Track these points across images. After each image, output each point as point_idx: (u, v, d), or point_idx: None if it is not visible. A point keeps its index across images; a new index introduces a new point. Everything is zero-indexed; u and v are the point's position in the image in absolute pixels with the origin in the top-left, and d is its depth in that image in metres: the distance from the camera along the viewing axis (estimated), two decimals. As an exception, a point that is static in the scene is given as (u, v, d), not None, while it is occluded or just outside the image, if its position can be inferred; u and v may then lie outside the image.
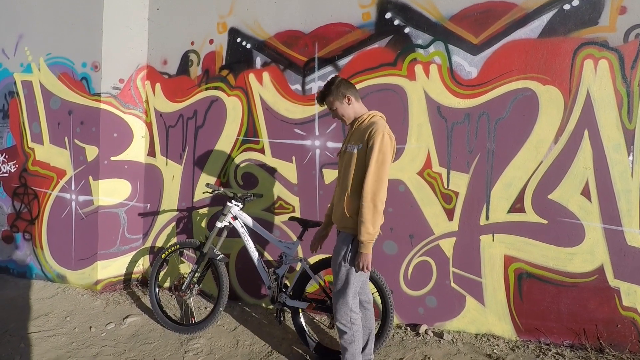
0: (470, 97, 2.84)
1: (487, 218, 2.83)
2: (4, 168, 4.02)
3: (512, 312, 2.79)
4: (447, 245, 2.91)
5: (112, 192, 3.61)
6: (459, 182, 2.87)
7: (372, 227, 1.93)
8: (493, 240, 2.82)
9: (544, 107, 2.70)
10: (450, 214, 2.90)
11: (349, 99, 2.11)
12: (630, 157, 2.57)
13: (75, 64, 3.66)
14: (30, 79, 3.87)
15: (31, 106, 3.86)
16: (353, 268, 2.03)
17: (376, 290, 2.54)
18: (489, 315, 2.84)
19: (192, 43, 3.60)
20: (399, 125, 2.97)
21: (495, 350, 2.62)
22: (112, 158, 3.61)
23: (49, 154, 3.78)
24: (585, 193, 2.64)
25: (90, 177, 3.56)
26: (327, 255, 2.67)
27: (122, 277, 3.72)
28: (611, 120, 2.59)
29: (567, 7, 2.65)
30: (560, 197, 2.68)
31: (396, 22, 2.98)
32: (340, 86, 2.11)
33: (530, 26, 2.72)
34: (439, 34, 2.89)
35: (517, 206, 2.77)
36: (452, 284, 2.90)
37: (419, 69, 2.93)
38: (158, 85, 3.75)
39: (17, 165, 3.95)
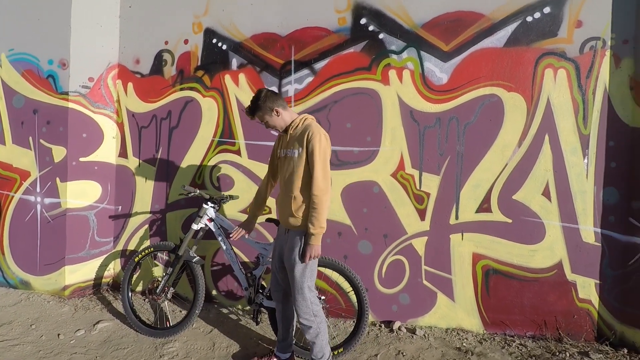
0: (441, 102, 2.97)
1: (456, 218, 2.96)
2: (-39, 169, 3.79)
3: (479, 307, 2.94)
4: (420, 244, 3.02)
5: (81, 194, 3.49)
6: (431, 184, 2.99)
7: (323, 221, 2.10)
8: (462, 239, 2.95)
9: (509, 113, 2.86)
10: (422, 214, 3.01)
11: (277, 112, 2.22)
12: (586, 160, 2.77)
13: (41, 61, 3.51)
14: (-9, 76, 3.68)
15: (-9, 104, 3.67)
16: (308, 263, 2.15)
17: (352, 289, 2.60)
18: (458, 310, 2.97)
19: (166, 42, 3.55)
20: (374, 128, 3.06)
21: (464, 344, 2.75)
22: (81, 159, 3.49)
23: (12, 154, 3.61)
24: (546, 193, 2.82)
25: (58, 179, 3.43)
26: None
27: (92, 282, 3.60)
28: (569, 125, 2.79)
29: (529, 19, 2.82)
30: (523, 198, 2.85)
31: (371, 28, 3.06)
32: (266, 101, 2.20)
33: (497, 36, 2.88)
34: (411, 40, 3.00)
35: (484, 206, 2.92)
36: (424, 282, 3.02)
37: (392, 74, 3.03)
38: (130, 85, 3.66)
39: (-25, 166, 3.74)
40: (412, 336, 2.85)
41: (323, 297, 2.65)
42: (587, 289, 2.78)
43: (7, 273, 3.62)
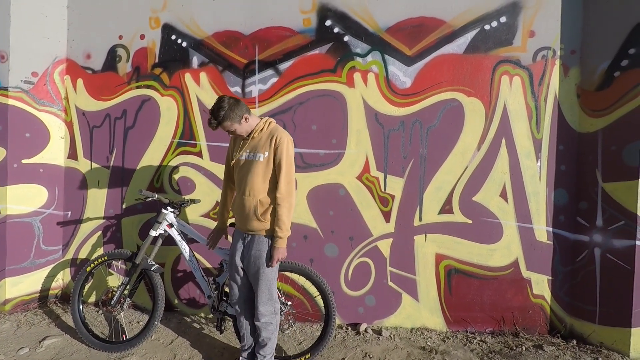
0: (404, 105, 3.01)
1: (420, 219, 3.02)
2: None
3: (442, 306, 3.02)
4: (385, 246, 3.05)
5: (23, 199, 3.20)
6: (395, 186, 3.03)
7: (289, 223, 2.15)
8: (426, 240, 3.02)
9: (469, 117, 2.96)
10: (387, 216, 3.05)
11: (246, 119, 2.18)
12: (539, 163, 2.92)
13: (-24, 53, 3.19)
14: None
15: None
16: (273, 265, 2.18)
17: (318, 294, 2.58)
18: (422, 310, 3.03)
19: (121, 37, 3.34)
20: (339, 130, 3.05)
21: (428, 343, 2.81)
22: (24, 161, 3.21)
23: (-59, 155, 3.24)
24: (503, 195, 2.94)
25: (-4, 183, 3.12)
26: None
27: (38, 295, 3.31)
28: (523, 130, 2.93)
29: (487, 27, 2.93)
30: (482, 199, 2.96)
31: (336, 30, 3.05)
32: (234, 109, 2.12)
33: (457, 42, 2.96)
34: (376, 44, 3.02)
35: (446, 208, 3.00)
36: (390, 283, 3.05)
37: (357, 76, 3.04)
38: (80, 81, 3.41)
39: None
40: (379, 337, 2.88)
41: (290, 303, 2.61)
42: (541, 285, 2.93)
43: (-64, 288, 3.25)
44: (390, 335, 2.90)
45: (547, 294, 2.93)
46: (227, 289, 2.71)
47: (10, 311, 3.14)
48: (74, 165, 3.42)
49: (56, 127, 3.40)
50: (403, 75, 3.01)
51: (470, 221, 2.97)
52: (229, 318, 2.67)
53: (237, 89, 3.16)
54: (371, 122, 3.03)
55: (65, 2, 3.42)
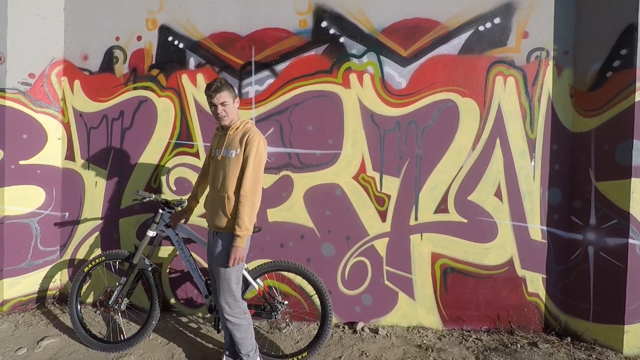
0: (400, 106, 3.04)
1: (416, 219, 3.05)
2: None
3: (438, 305, 3.04)
4: (381, 245, 3.08)
5: (21, 200, 3.21)
6: (391, 186, 3.06)
7: (249, 223, 2.10)
8: (422, 239, 3.04)
9: (464, 117, 2.99)
10: (383, 216, 3.07)
11: (237, 102, 2.27)
12: (533, 163, 2.95)
13: (-28, 55, 3.19)
14: None
15: None
16: (231, 265, 2.11)
17: (315, 293, 2.60)
18: (418, 308, 3.06)
19: (117, 38, 3.35)
20: (335, 131, 3.07)
21: (424, 341, 2.83)
22: (21, 162, 3.21)
23: (-62, 157, 3.24)
24: (498, 194, 2.97)
25: (-6, 184, 3.13)
26: (266, 261, 2.68)
27: (35, 295, 3.32)
28: (517, 130, 2.96)
29: (481, 28, 2.96)
30: (477, 198, 2.99)
31: (332, 31, 3.08)
32: (233, 87, 2.24)
33: (452, 43, 2.99)
34: (371, 45, 3.05)
35: (442, 207, 3.03)
36: (386, 282, 3.08)
37: (353, 77, 3.06)
38: (77, 83, 3.42)
39: None
40: (375, 336, 2.90)
41: (286, 302, 2.62)
42: (535, 283, 2.96)
43: None
44: (386, 334, 2.92)
45: (542, 292, 2.97)
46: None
47: (8, 312, 3.15)
48: (71, 166, 3.43)
49: (53, 129, 3.41)
50: (398, 76, 3.04)
51: (465, 220, 3.00)
52: (226, 317, 2.68)
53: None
54: (367, 122, 3.06)
55: (62, 3, 3.43)
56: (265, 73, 3.14)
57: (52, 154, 3.40)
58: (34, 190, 3.30)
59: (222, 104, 2.19)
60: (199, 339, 2.86)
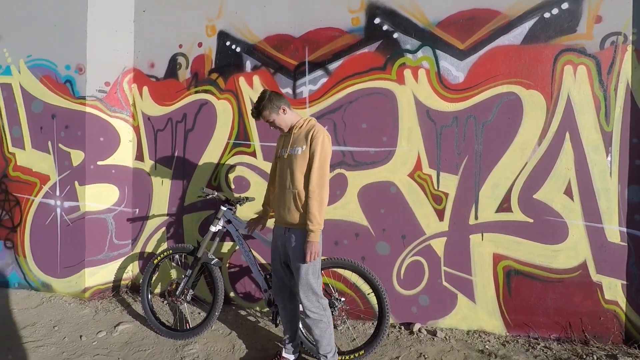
0: (457, 100, 2.93)
1: (476, 218, 2.92)
2: (-17, 174, 3.87)
3: (501, 309, 2.89)
4: (439, 245, 2.99)
5: (99, 197, 3.54)
6: (449, 184, 2.96)
7: (320, 218, 2.12)
8: (482, 239, 2.91)
9: (528, 111, 2.81)
10: (440, 215, 2.98)
11: (284, 110, 2.26)
12: (609, 158, 2.71)
13: (58, 66, 3.57)
14: (10, 82, 3.75)
15: (11, 109, 3.74)
16: (307, 261, 2.13)
17: (371, 291, 2.58)
18: (479, 312, 2.93)
19: (180, 46, 3.57)
20: (390, 128, 3.04)
21: (487, 346, 2.71)
22: (99, 162, 3.54)
23: (31, 159, 3.67)
24: (568, 192, 2.76)
25: (76, 183, 3.48)
26: (322, 257, 2.71)
27: (111, 284, 3.64)
28: (590, 123, 2.73)
29: (547, 15, 2.77)
30: (544, 197, 2.80)
31: (385, 28, 3.04)
32: (272, 100, 2.24)
33: (514, 33, 2.83)
34: (426, 39, 2.97)
35: (504, 206, 2.87)
36: (444, 283, 2.98)
37: (408, 73, 3.01)
38: (145, 89, 3.70)
39: (-4, 171, 3.81)
40: (433, 338, 2.82)
41: (343, 299, 2.64)
42: (614, 290, 2.71)
43: (29, 276, 3.67)
44: (445, 337, 2.83)
45: (622, 300, 2.70)
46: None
47: (89, 298, 3.48)
48: (140, 166, 3.71)
49: (125, 132, 3.71)
50: (455, 70, 2.93)
51: (531, 220, 2.82)
52: (283, 312, 2.76)
53: (289, 90, 3.26)
54: (423, 118, 2.98)
55: (132, 16, 3.73)
56: (319, 72, 3.18)
57: (124, 155, 3.70)
58: (110, 189, 3.61)
59: (269, 122, 2.29)
60: (257, 332, 2.96)
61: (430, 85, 2.97)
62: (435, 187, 2.98)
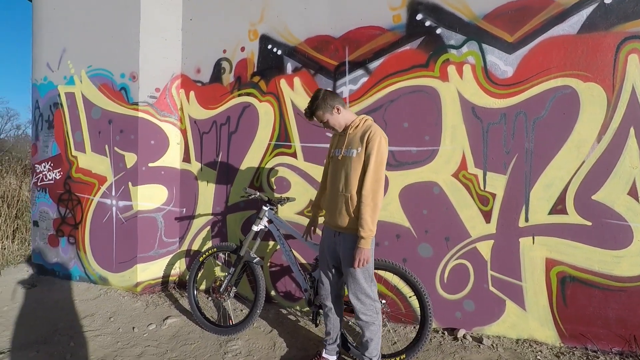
0: (506, 96, 2.79)
1: (526, 220, 2.76)
2: (50, 175, 4.24)
3: (555, 317, 2.70)
4: (485, 248, 2.85)
5: (150, 197, 3.74)
6: (496, 184, 2.82)
7: (372, 224, 2.04)
8: (533, 242, 2.74)
9: (586, 105, 2.61)
10: (487, 216, 2.84)
11: (337, 109, 2.20)
12: (682, 155, 2.45)
13: (114, 75, 3.82)
14: (73, 91, 4.07)
15: (74, 116, 4.06)
16: (355, 267, 2.10)
17: (413, 294, 2.52)
18: (530, 320, 2.76)
19: (224, 51, 3.70)
20: (432, 127, 2.95)
21: (538, 357, 2.54)
22: (150, 164, 3.74)
23: (91, 161, 3.96)
24: (633, 193, 2.53)
25: (130, 183, 3.70)
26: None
27: (160, 280, 3.84)
28: (660, 116, 2.48)
29: (608, 0, 2.56)
30: (605, 198, 2.58)
31: (427, 23, 2.96)
32: (326, 99, 2.18)
33: (569, 22, 2.64)
34: (472, 33, 2.85)
35: (558, 207, 2.69)
36: (491, 288, 2.84)
37: (452, 69, 2.90)
38: (192, 93, 3.87)
39: (61, 173, 4.15)
40: (479, 345, 2.69)
41: (384, 301, 2.59)
42: (687, 301, 2.44)
43: (89, 269, 3.97)
44: (492, 344, 2.69)
45: (697, 313, 2.43)
46: (321, 284, 2.81)
47: (140, 292, 3.69)
48: (187, 167, 3.89)
49: (173, 135, 3.90)
50: (504, 64, 2.79)
51: (589, 223, 2.61)
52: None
53: (328, 90, 3.26)
54: (468, 116, 2.87)
55: (180, 24, 3.92)
56: (359, 72, 3.16)
57: (172, 157, 3.89)
58: (159, 189, 3.81)
59: (323, 122, 2.25)
60: (297, 331, 2.98)
61: (476, 81, 2.85)
62: (482, 188, 2.85)
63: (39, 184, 4.35)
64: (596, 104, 2.59)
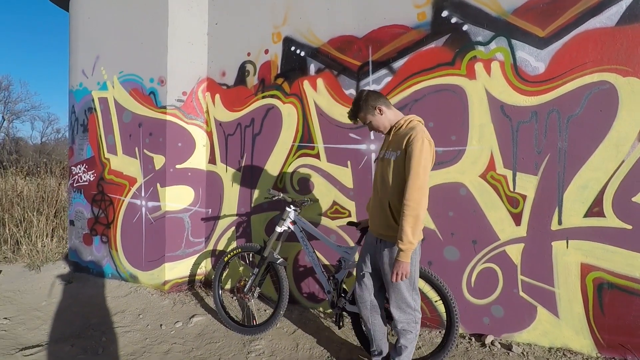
0: (537, 93, 2.67)
1: (559, 223, 2.63)
2: (85, 177, 4.43)
3: (591, 326, 2.56)
4: (515, 252, 2.74)
5: (177, 198, 3.84)
6: (527, 185, 2.70)
7: (412, 236, 1.89)
8: (567, 246, 2.61)
9: (625, 101, 2.46)
10: (517, 219, 2.73)
11: (380, 110, 2.12)
12: None
13: (144, 80, 3.95)
14: (106, 96, 4.24)
15: (107, 120, 4.23)
16: (393, 280, 2.00)
17: (439, 298, 2.45)
18: (564, 328, 2.62)
19: (249, 54, 3.75)
20: (459, 126, 2.86)
21: (573, 367, 2.42)
22: (177, 166, 3.85)
23: (122, 163, 4.11)
24: (679, 195, 2.36)
25: (158, 184, 3.82)
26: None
27: (187, 279, 3.93)
28: None
29: (650, -10, 2.40)
30: (647, 200, 2.42)
31: (453, 20, 2.88)
32: (368, 100, 2.12)
33: (607, 13, 2.50)
34: (500, 29, 2.75)
35: (594, 210, 2.54)
36: (521, 293, 2.73)
37: (479, 67, 2.81)
38: (217, 96, 3.94)
39: (95, 175, 4.34)
40: (508, 353, 2.59)
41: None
42: None
43: (120, 267, 4.12)
44: (522, 352, 2.58)
45: None
46: (345, 286, 2.79)
47: (168, 291, 3.79)
48: (213, 169, 3.96)
49: (200, 137, 3.99)
50: (535, 60, 2.67)
51: (629, 226, 2.46)
52: (346, 315, 2.74)
53: (352, 91, 3.24)
54: (496, 115, 2.77)
55: (206, 29, 4.00)
56: (383, 71, 3.12)
57: (199, 159, 3.98)
58: (186, 190, 3.91)
59: (367, 124, 2.19)
60: (320, 333, 2.97)
61: (505, 79, 2.74)
62: (511, 189, 2.74)
63: (74, 185, 4.56)
64: (637, 100, 2.44)
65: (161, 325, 3.14)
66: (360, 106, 2.14)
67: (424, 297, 2.95)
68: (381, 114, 2.13)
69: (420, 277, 2.46)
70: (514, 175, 2.74)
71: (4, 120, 23.72)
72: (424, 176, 1.90)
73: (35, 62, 46.60)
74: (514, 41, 2.72)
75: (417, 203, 1.87)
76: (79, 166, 4.51)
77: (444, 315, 2.45)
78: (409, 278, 2.04)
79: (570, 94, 2.58)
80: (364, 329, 2.54)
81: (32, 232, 5.38)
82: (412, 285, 2.12)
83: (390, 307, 2.17)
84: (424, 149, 1.91)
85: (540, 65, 2.66)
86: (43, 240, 5.29)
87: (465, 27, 2.85)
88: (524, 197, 2.71)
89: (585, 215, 2.57)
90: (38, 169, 7.23)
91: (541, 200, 2.67)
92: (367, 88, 3.16)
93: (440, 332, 2.88)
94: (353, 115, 2.20)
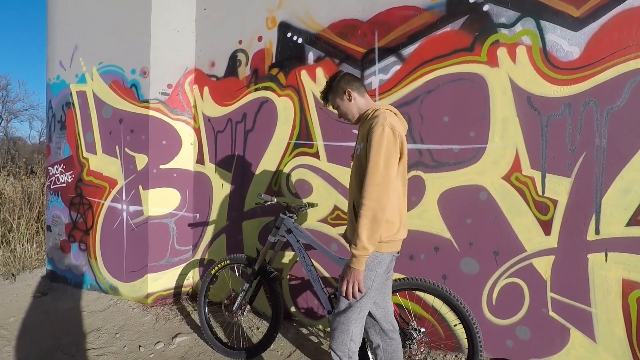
0: (570, 82, 2.30)
1: (597, 232, 2.27)
2: (62, 178, 4.06)
3: (635, 352, 2.20)
4: (544, 265, 2.38)
5: (161, 201, 3.47)
6: (558, 188, 2.34)
7: (367, 240, 1.57)
8: (606, 260, 2.25)
9: (677, 91, 2.10)
10: (546, 227, 2.37)
11: (349, 94, 1.84)
12: None
13: (125, 71, 3.58)
14: (84, 89, 3.87)
15: (85, 116, 3.86)
16: (342, 293, 1.65)
17: (459, 322, 2.09)
18: (602, 353, 2.26)
19: (240, 42, 3.38)
20: (478, 121, 2.50)
21: (617, 402, 2.06)
22: (161, 166, 3.47)
23: (102, 163, 3.74)
24: None
25: (140, 187, 3.45)
26: (399, 276, 2.28)
27: (172, 291, 3.56)
28: None
29: None
30: None
31: (472, 0, 2.52)
32: (340, 81, 1.87)
33: (654, -11, 2.14)
34: (527, 9, 2.39)
35: (638, 218, 2.18)
36: (551, 313, 2.37)
37: (502, 52, 2.45)
38: (206, 89, 3.57)
39: (73, 176, 3.96)
40: (539, 384, 2.23)
41: (423, 330, 2.18)
42: None
43: (99, 278, 3.75)
44: (555, 383, 2.22)
45: None
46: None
47: (151, 304, 3.42)
48: (201, 169, 3.59)
49: (187, 134, 3.62)
50: (568, 43, 2.31)
51: (681, 237, 2.10)
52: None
53: (355, 81, 2.87)
54: (522, 107, 2.40)
55: (194, 15, 3.63)
56: (391, 59, 2.75)
57: (185, 159, 3.61)
58: (171, 193, 3.54)
59: (335, 108, 1.93)
60: (320, 356, 2.62)
61: (533, 66, 2.38)
62: (540, 193, 2.38)
63: (52, 187, 4.18)
64: (690, 90, 2.08)
65: (139, 346, 2.77)
66: (332, 87, 1.87)
67: (438, 316, 2.59)
68: (350, 100, 1.85)
69: (436, 295, 2.13)
70: (543, 177, 2.37)
71: (2, 119, 23.42)
72: (385, 170, 1.59)
73: (34, 61, 46.09)
74: (543, 22, 2.35)
75: (374, 201, 1.57)
76: (56, 166, 4.14)
77: (465, 341, 2.09)
78: (359, 310, 1.71)
79: (609, 82, 2.22)
80: (370, 355, 2.17)
81: (10, 236, 5.01)
82: (360, 309, 1.73)
83: (331, 325, 1.81)
84: (384, 137, 1.60)
85: (575, 49, 2.29)
86: (23, 245, 4.92)
87: (485, 7, 2.48)
88: (555, 202, 2.35)
89: (628, 224, 2.20)
90: (18, 169, 6.84)
91: (575, 206, 2.30)
92: (374, 76, 2.80)
93: (456, 356, 2.52)
94: (324, 96, 1.93)
